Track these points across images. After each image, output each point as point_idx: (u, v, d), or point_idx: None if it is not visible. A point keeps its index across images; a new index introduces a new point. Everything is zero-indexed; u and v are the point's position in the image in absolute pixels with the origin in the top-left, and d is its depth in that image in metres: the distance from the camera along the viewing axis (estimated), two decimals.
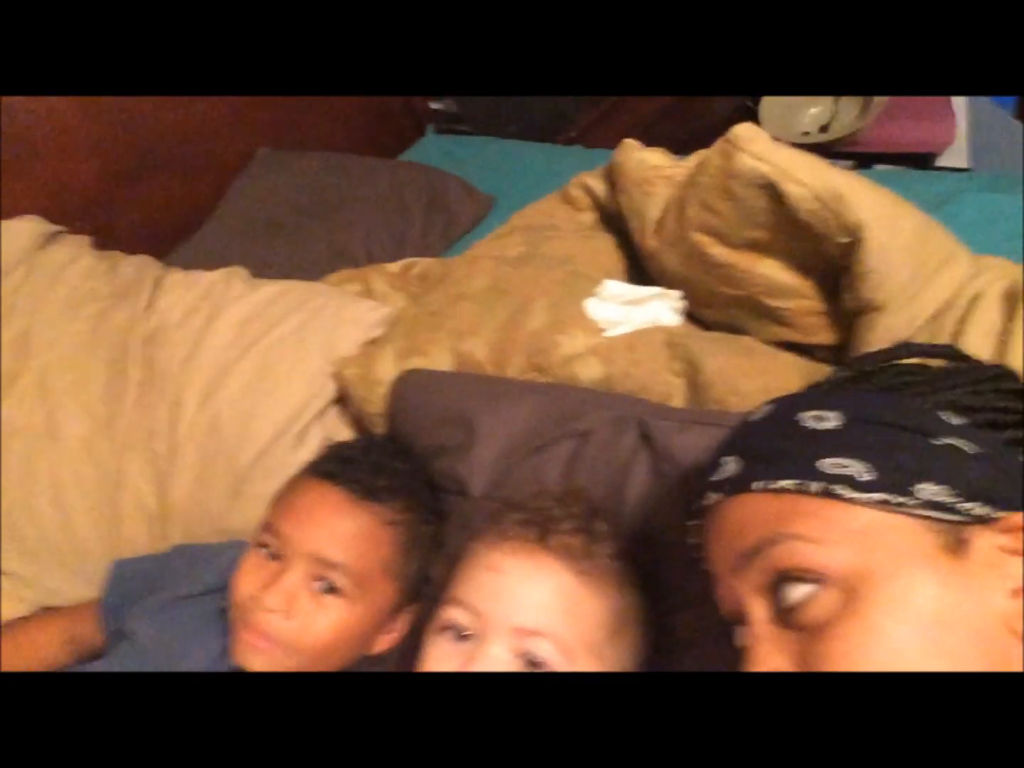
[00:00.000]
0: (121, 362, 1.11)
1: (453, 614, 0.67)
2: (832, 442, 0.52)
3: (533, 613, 0.64)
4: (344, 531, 0.79)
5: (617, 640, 0.67)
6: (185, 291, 1.18)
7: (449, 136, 2.01)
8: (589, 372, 0.89)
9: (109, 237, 1.51)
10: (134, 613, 0.86)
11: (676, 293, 0.97)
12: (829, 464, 0.50)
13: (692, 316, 1.00)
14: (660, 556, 0.75)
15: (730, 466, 0.56)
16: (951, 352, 0.63)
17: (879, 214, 0.80)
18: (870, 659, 0.45)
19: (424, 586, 0.85)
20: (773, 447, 0.54)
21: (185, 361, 1.08)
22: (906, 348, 0.64)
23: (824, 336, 0.92)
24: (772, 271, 0.90)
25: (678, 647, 0.73)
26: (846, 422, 0.53)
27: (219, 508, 1.02)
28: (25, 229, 1.28)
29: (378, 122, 2.14)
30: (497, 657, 0.63)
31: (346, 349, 1.06)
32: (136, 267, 1.28)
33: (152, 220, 1.74)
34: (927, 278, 0.84)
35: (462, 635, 0.66)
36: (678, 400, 0.87)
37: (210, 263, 1.28)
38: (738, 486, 0.54)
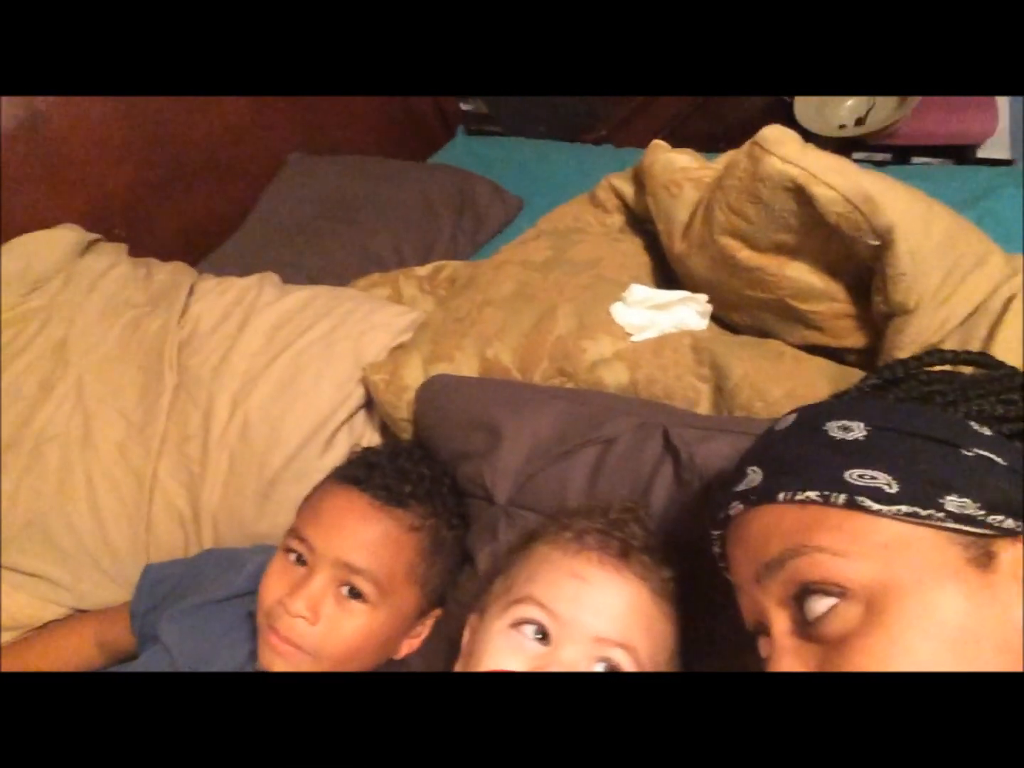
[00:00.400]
0: (156, 369, 1.13)
1: (532, 613, 0.66)
2: (858, 453, 0.51)
3: (615, 625, 0.64)
4: (369, 537, 0.80)
5: (675, 662, 0.68)
6: (217, 298, 1.20)
7: (479, 137, 2.01)
8: (615, 377, 0.89)
9: (144, 243, 1.55)
10: (164, 617, 0.88)
11: (702, 297, 0.96)
12: (855, 475, 0.50)
13: (719, 320, 0.99)
14: (684, 566, 0.74)
15: (755, 476, 0.55)
16: (981, 359, 0.62)
17: (910, 216, 0.78)
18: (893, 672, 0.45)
19: (449, 591, 0.86)
20: (798, 457, 0.53)
21: (217, 367, 1.09)
22: (936, 354, 0.62)
23: (854, 339, 0.90)
24: (801, 274, 0.88)
25: (697, 658, 0.72)
26: (872, 432, 0.52)
27: (249, 513, 1.04)
28: (64, 238, 1.31)
29: (408, 125, 2.15)
30: (576, 663, 0.63)
31: (374, 354, 1.06)
32: (170, 274, 1.30)
33: (186, 226, 1.77)
34: (959, 280, 0.82)
35: (538, 635, 0.66)
36: (704, 406, 0.86)
37: (242, 269, 1.30)
38: (762, 496, 0.53)
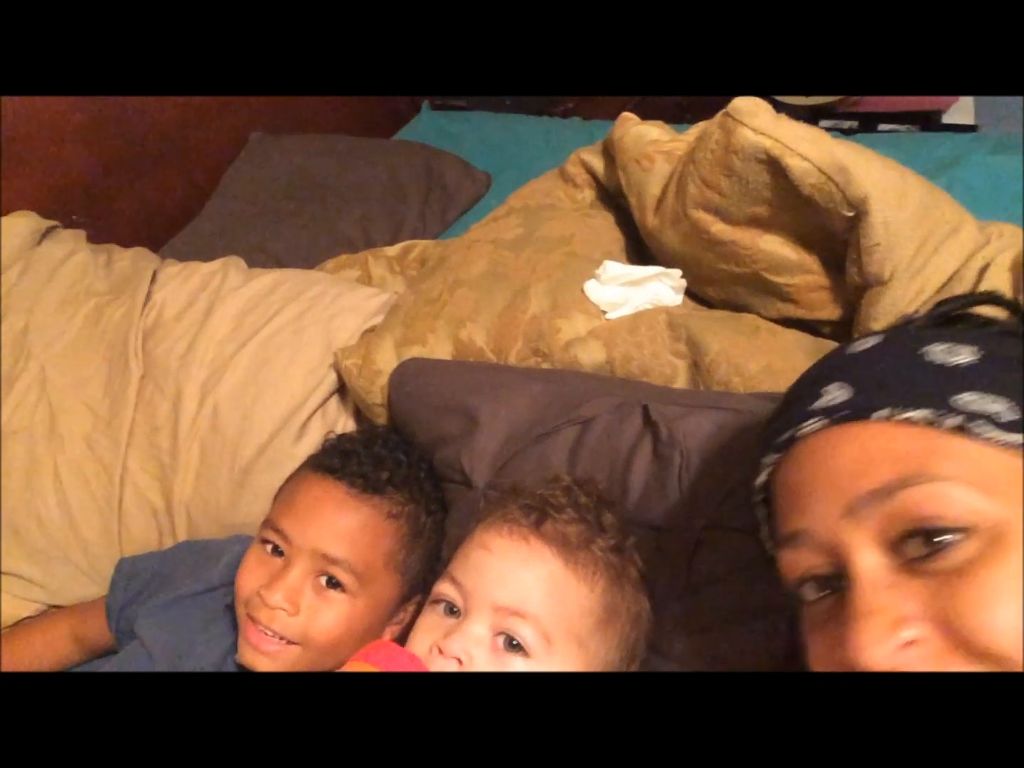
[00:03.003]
0: (121, 358, 1.10)
1: (443, 588, 0.68)
2: (969, 377, 0.46)
3: (515, 593, 0.64)
4: (346, 526, 0.78)
5: (604, 632, 0.67)
6: (182, 284, 1.17)
7: (445, 112, 1.98)
8: (590, 356, 0.88)
9: (105, 228, 1.51)
10: (141, 612, 0.86)
11: (676, 272, 0.95)
12: (965, 399, 0.45)
13: (694, 295, 0.98)
14: (662, 543, 0.74)
15: (837, 393, 0.49)
16: (997, 298, 0.57)
17: (884, 187, 0.78)
18: (1012, 607, 0.41)
19: (429, 576, 0.85)
20: (897, 375, 0.48)
21: (184, 356, 1.07)
22: (987, 296, 0.57)
23: (829, 311, 0.90)
24: (775, 247, 0.88)
25: (672, 635, 0.72)
26: (983, 357, 0.47)
27: (223, 503, 1.02)
28: (19, 225, 1.27)
29: (373, 101, 2.11)
30: (476, 633, 0.64)
31: (345, 339, 1.04)
32: (132, 260, 1.27)
33: (148, 209, 1.72)
34: (933, 250, 0.82)
35: (451, 610, 0.67)
36: (681, 382, 0.86)
37: (207, 252, 1.27)
38: (855, 413, 0.47)
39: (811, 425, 0.49)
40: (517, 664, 0.63)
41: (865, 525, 0.45)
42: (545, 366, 0.91)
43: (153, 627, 0.84)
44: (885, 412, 0.46)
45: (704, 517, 0.72)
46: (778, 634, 0.67)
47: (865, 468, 0.45)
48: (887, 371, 0.49)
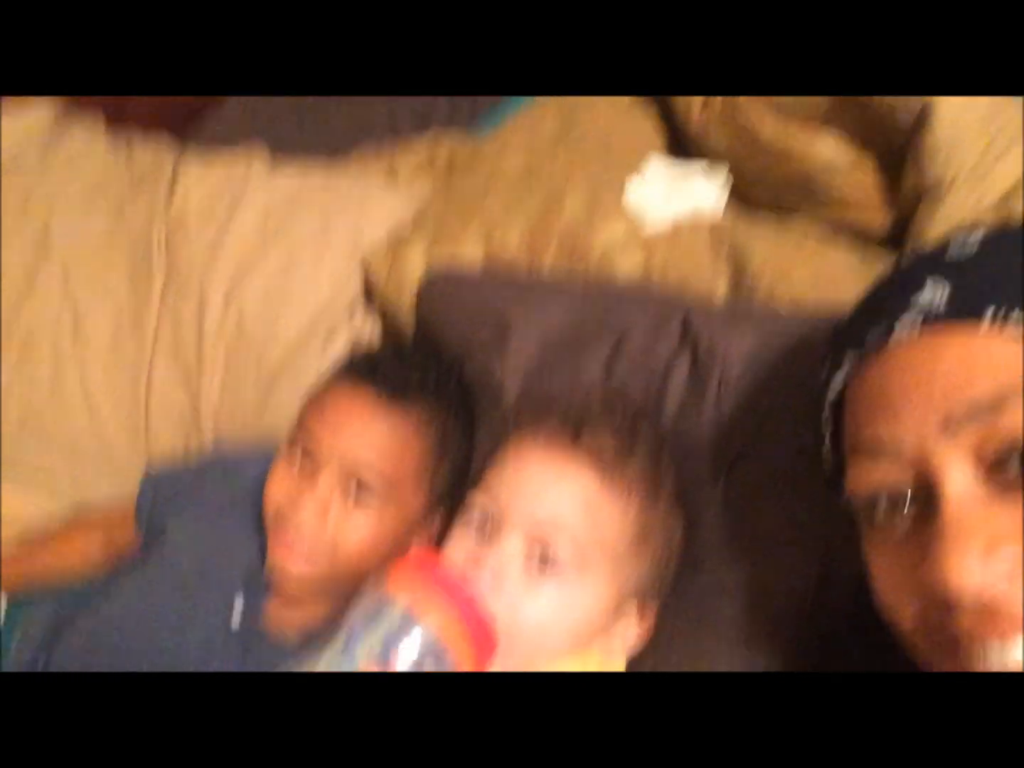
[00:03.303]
0: (144, 259, 1.08)
1: (477, 500, 0.67)
2: None
3: (551, 508, 0.63)
4: (375, 436, 0.77)
5: (638, 550, 0.66)
6: (204, 180, 1.13)
7: None
8: (628, 263, 0.84)
9: (124, 111, 1.44)
10: (170, 520, 0.86)
11: (722, 168, 0.89)
12: None
13: (738, 200, 0.93)
14: (697, 461, 0.72)
15: (936, 293, 0.44)
16: None
17: None
18: None
19: (458, 487, 0.84)
20: (1003, 276, 0.43)
21: (207, 257, 1.04)
22: None
23: (882, 219, 0.85)
24: (831, 146, 0.83)
25: (706, 556, 0.71)
26: None
27: (249, 409, 1.01)
28: (34, 111, 1.22)
29: None
30: (510, 547, 0.63)
31: (372, 243, 1.01)
32: (153, 152, 1.22)
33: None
34: (998, 155, 0.77)
35: (484, 524, 0.66)
36: (722, 294, 0.82)
37: (228, 139, 1.23)
38: (956, 316, 0.43)
39: (907, 327, 0.45)
40: (552, 582, 0.62)
41: (962, 440, 0.42)
42: (580, 274, 0.88)
43: (182, 536, 0.84)
44: (991, 315, 0.42)
45: (742, 435, 0.70)
46: (813, 556, 0.66)
47: (967, 378, 0.41)
48: (991, 271, 0.44)
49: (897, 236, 0.85)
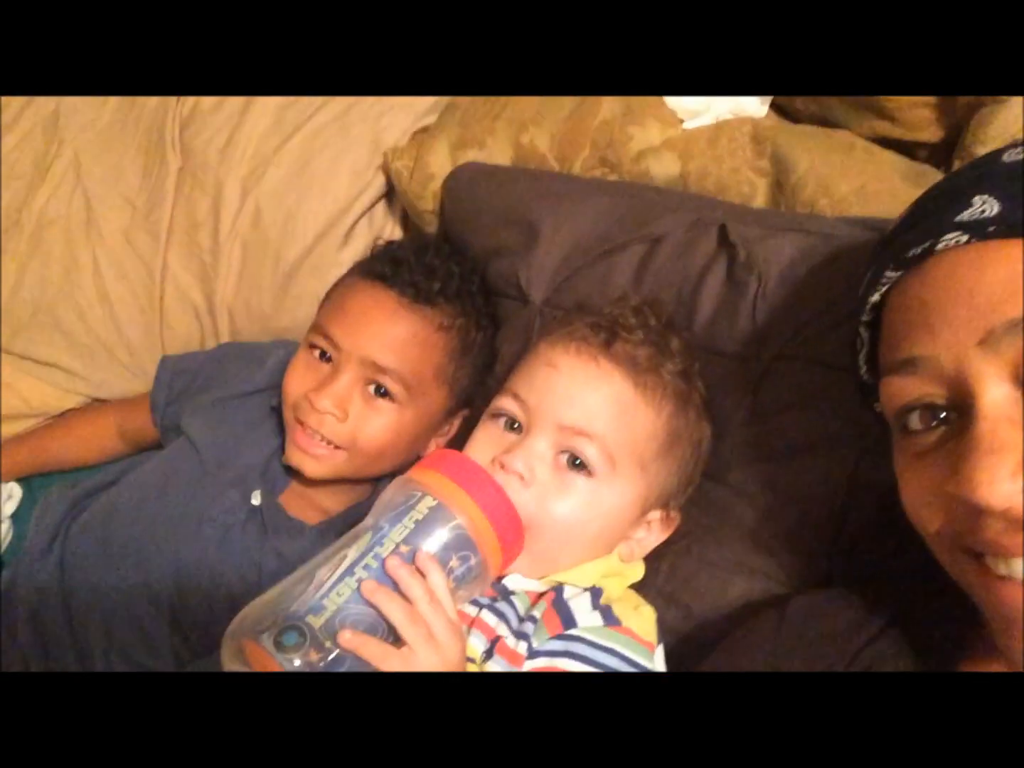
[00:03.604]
0: (158, 149, 1.04)
1: (504, 404, 0.65)
2: None
3: (582, 414, 0.62)
4: (396, 336, 0.76)
5: (666, 457, 0.65)
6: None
7: None
8: (664, 168, 0.81)
9: None
10: (186, 410, 0.86)
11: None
12: None
13: (779, 110, 0.89)
14: (729, 370, 0.71)
15: (984, 206, 0.44)
16: None
17: None
18: None
19: (477, 391, 0.83)
20: None
21: (224, 149, 1.01)
22: None
23: (930, 132, 0.81)
24: None
25: (734, 465, 0.70)
26: None
27: (266, 306, 1.00)
28: None
29: None
30: (538, 451, 0.62)
31: (394, 139, 0.97)
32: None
33: None
34: None
35: (512, 425, 0.65)
36: (761, 202, 0.80)
37: None
38: (1003, 230, 0.42)
39: (952, 239, 0.44)
40: (579, 483, 0.62)
41: (1002, 356, 0.41)
42: (613, 177, 0.85)
43: (199, 425, 0.84)
44: None
45: (776, 346, 0.68)
46: (842, 467, 0.65)
47: (1012, 293, 0.41)
48: None
49: (946, 150, 0.81)
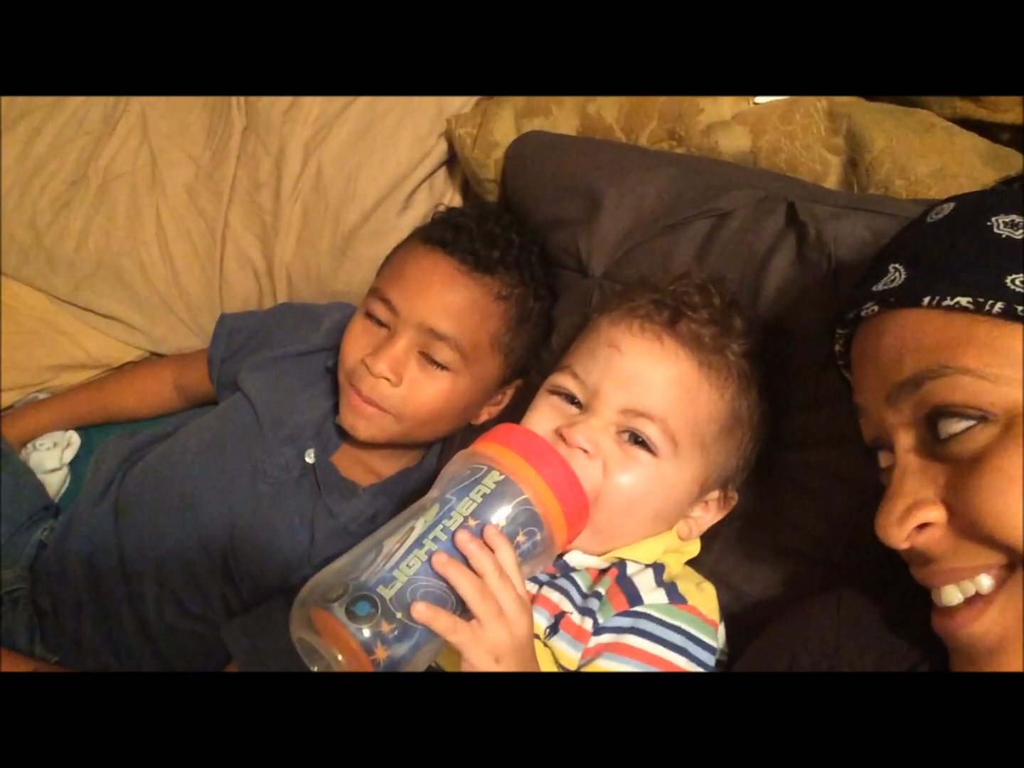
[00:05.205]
0: (223, 108, 1.05)
1: (564, 381, 0.64)
2: None
3: (645, 396, 0.61)
4: (454, 303, 0.76)
5: (727, 439, 0.64)
6: None
7: None
8: (733, 143, 0.79)
9: None
10: (243, 367, 0.87)
11: None
12: (1018, 281, 0.43)
13: None
14: (793, 352, 0.69)
15: (896, 275, 0.48)
16: None
17: None
18: (1014, 495, 0.41)
19: (532, 362, 0.83)
20: (952, 256, 0.46)
21: (288, 110, 1.01)
22: None
23: (1015, 114, 0.78)
24: None
25: (792, 448, 0.69)
26: None
27: (324, 268, 1.00)
28: None
29: None
30: (599, 431, 0.61)
31: (458, 106, 0.97)
32: None
33: None
34: None
35: (572, 401, 0.64)
36: (832, 181, 0.77)
37: None
38: (904, 299, 0.46)
39: (867, 308, 0.49)
40: (643, 458, 0.61)
41: (900, 411, 0.47)
42: (680, 151, 0.83)
43: (256, 382, 0.84)
44: (932, 299, 0.45)
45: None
46: None
47: (901, 357, 0.46)
48: (942, 250, 0.47)
49: None
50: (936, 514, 0.44)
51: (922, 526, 0.45)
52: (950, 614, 0.45)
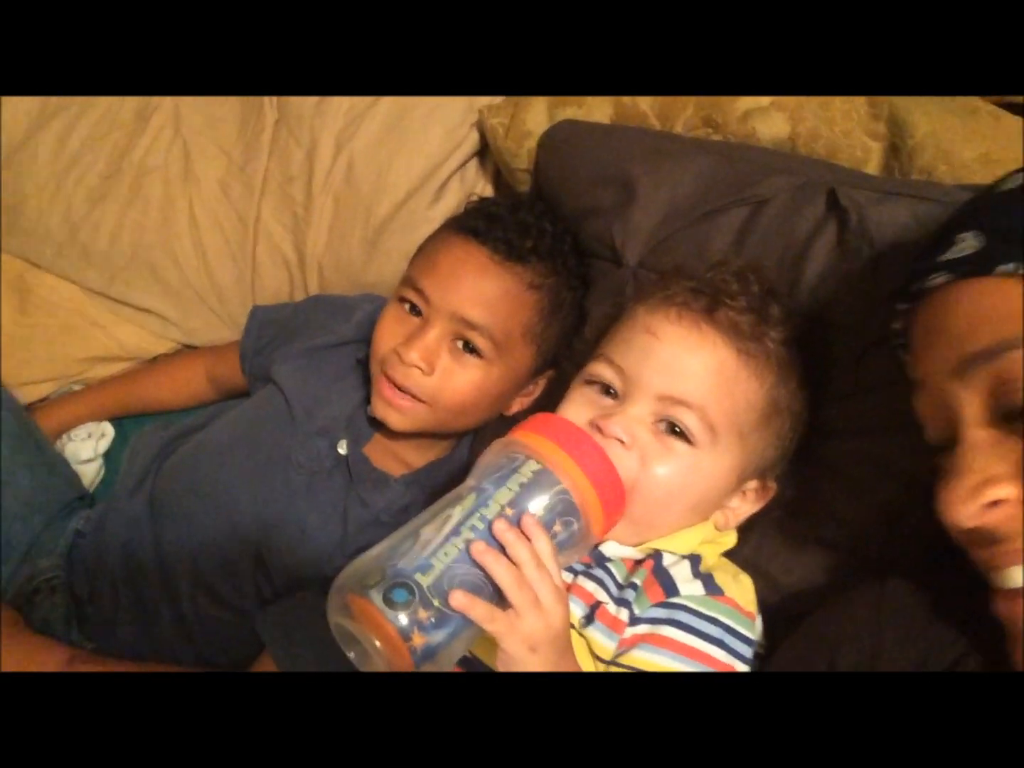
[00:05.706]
0: (255, 102, 1.06)
1: (600, 370, 0.64)
2: None
3: (683, 384, 0.60)
4: (487, 292, 0.75)
5: (766, 427, 0.63)
6: None
7: None
8: (771, 129, 0.79)
9: None
10: (275, 358, 0.87)
11: None
12: None
13: None
14: (833, 340, 0.68)
15: (967, 243, 0.46)
16: None
17: None
18: None
19: (564, 352, 0.82)
20: None
21: (319, 103, 1.01)
22: None
23: None
24: None
25: (831, 437, 0.68)
26: None
27: (355, 260, 1.00)
28: None
29: None
30: (637, 418, 0.60)
31: (489, 96, 0.96)
32: None
33: None
34: None
35: (608, 391, 0.63)
36: (873, 167, 0.76)
37: None
38: (978, 267, 0.45)
39: (936, 279, 0.47)
40: (681, 449, 0.60)
41: (973, 385, 0.45)
42: (716, 138, 0.82)
43: (289, 373, 0.85)
44: (1008, 267, 0.43)
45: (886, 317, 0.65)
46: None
47: (975, 328, 0.44)
48: (1017, 218, 0.45)
49: None
50: (1010, 491, 0.43)
51: (992, 504, 0.43)
52: (1013, 596, 0.44)
